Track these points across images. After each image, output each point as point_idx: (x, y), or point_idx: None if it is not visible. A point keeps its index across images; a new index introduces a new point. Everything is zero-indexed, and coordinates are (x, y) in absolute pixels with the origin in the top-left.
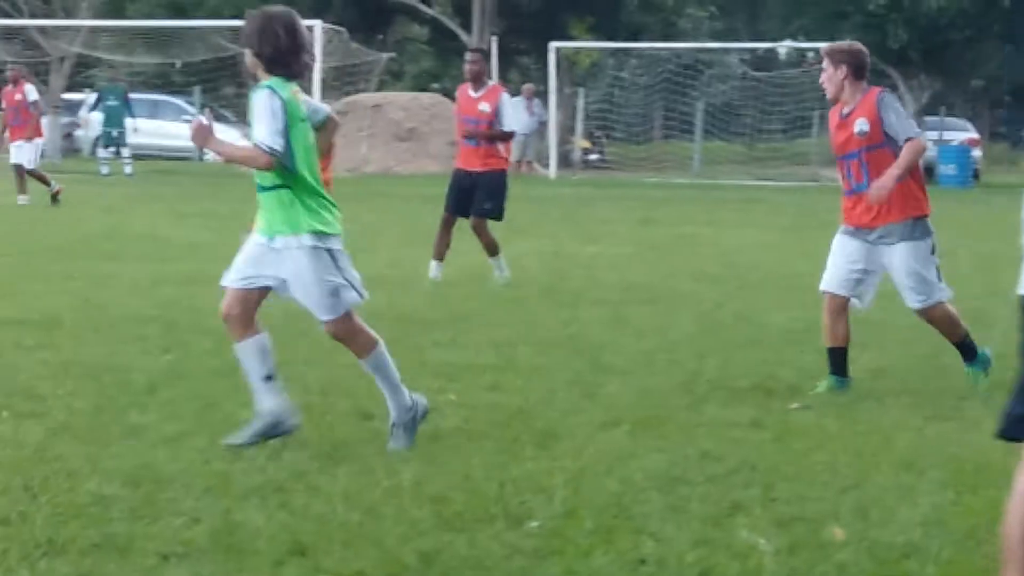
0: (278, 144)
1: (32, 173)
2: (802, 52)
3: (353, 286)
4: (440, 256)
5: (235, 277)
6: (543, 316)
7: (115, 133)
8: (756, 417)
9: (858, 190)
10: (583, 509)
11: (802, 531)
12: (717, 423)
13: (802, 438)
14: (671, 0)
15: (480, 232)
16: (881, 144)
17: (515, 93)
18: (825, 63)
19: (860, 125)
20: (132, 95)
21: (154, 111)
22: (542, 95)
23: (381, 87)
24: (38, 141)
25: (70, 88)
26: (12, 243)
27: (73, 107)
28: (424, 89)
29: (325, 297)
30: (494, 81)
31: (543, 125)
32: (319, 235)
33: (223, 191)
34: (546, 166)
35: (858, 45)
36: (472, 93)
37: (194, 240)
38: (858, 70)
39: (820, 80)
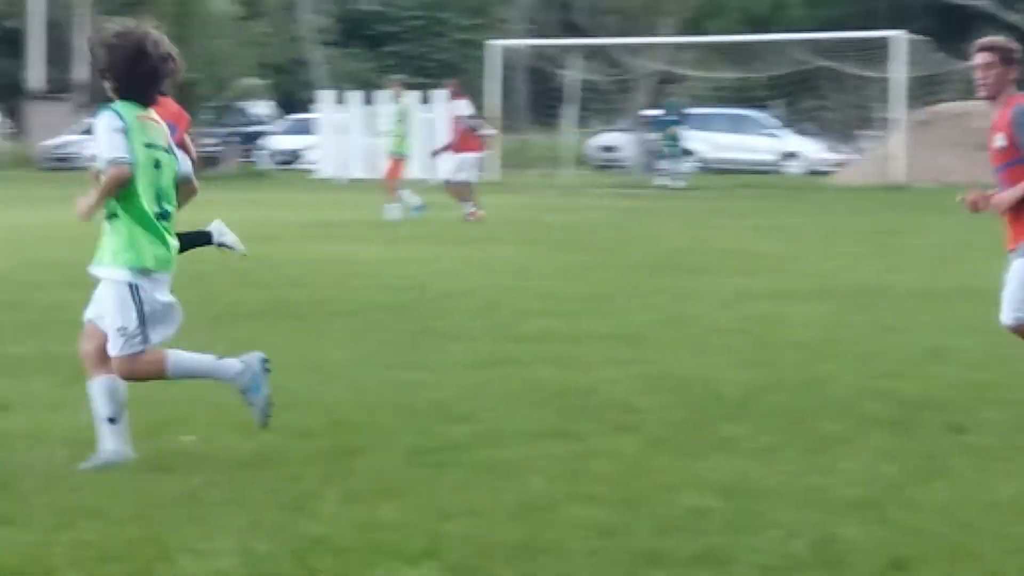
0: (120, 152)
1: (452, 187)
2: None
3: (144, 333)
4: None
5: (90, 313)
6: None
7: (672, 147)
8: None
9: None
10: None
11: None
12: None
13: None
14: None
15: None
16: (1019, 160)
17: None
18: (986, 57)
19: (998, 140)
20: (714, 110)
21: (735, 126)
22: None
23: (965, 96)
24: (466, 157)
25: (653, 105)
26: (604, 258)
27: (657, 124)
28: None
29: (114, 334)
30: None
31: None
32: (131, 270)
33: (806, 204)
34: None
35: (1015, 44)
36: None
37: (779, 253)
38: (1018, 70)
39: (976, 77)
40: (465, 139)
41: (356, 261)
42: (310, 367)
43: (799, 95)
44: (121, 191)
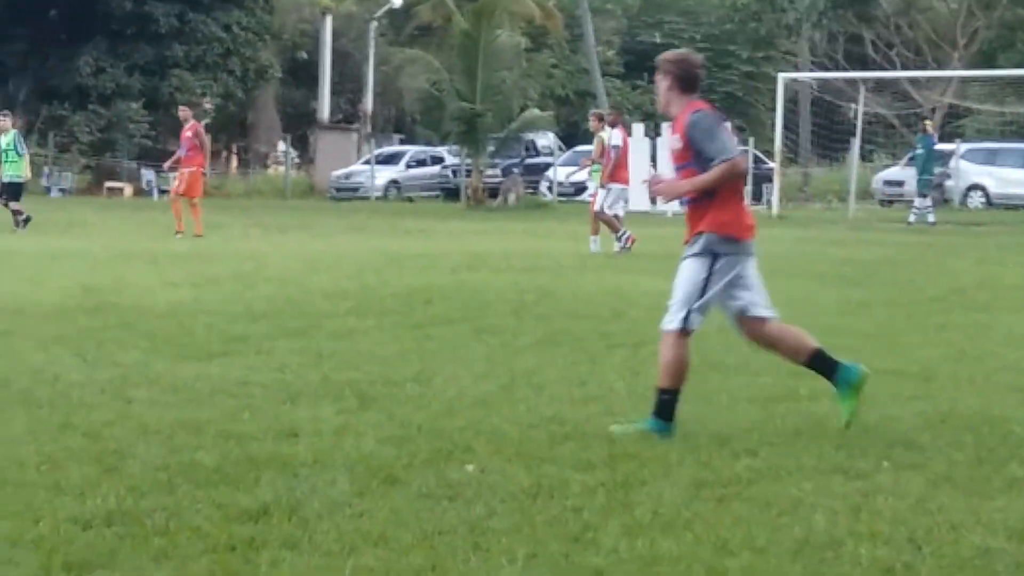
0: None
1: (600, 217)
2: None
3: None
4: None
5: None
6: None
7: (924, 181)
8: None
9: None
10: None
11: None
12: None
13: None
14: None
15: None
16: (689, 164)
17: None
18: (657, 74)
19: (673, 142)
20: (1002, 144)
21: (1021, 160)
22: None
23: None
24: (611, 187)
25: (942, 138)
26: (888, 294)
27: (944, 157)
28: None
29: None
30: None
31: None
32: None
33: None
34: None
35: (686, 54)
36: None
37: None
38: (684, 81)
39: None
40: (617, 169)
41: (637, 292)
42: (590, 398)
43: None
44: None
